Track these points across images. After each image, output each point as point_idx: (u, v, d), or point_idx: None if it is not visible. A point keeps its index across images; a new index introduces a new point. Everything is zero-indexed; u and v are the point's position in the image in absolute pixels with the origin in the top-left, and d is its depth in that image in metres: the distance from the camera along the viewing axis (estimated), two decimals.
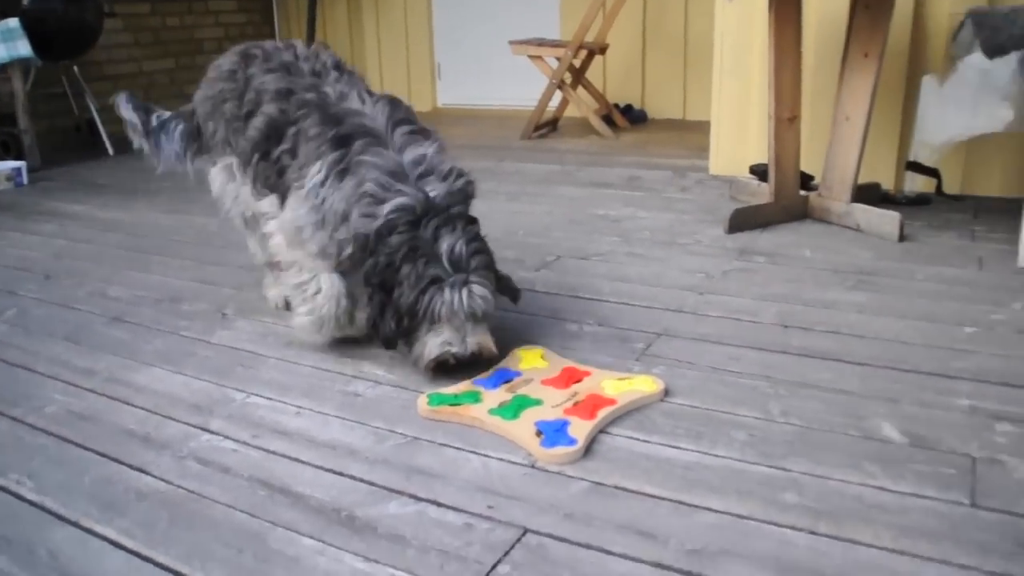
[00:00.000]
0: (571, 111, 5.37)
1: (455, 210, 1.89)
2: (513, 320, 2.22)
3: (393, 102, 2.06)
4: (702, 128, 4.10)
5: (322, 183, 1.91)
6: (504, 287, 2.01)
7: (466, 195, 1.96)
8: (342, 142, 1.92)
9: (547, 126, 5.37)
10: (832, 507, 1.39)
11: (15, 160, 4.70)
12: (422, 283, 1.79)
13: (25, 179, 4.56)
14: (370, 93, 2.09)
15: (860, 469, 1.50)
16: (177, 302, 2.57)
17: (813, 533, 1.33)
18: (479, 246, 1.88)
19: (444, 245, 1.81)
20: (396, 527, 1.40)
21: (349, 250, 1.91)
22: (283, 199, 2.06)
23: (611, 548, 1.32)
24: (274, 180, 2.08)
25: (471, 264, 1.83)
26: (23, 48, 4.74)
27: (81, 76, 5.32)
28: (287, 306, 2.43)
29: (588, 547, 1.33)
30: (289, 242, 2.04)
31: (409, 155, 1.92)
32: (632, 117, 5.54)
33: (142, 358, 2.16)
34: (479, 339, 1.86)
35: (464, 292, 1.80)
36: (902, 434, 1.60)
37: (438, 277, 1.79)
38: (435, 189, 1.88)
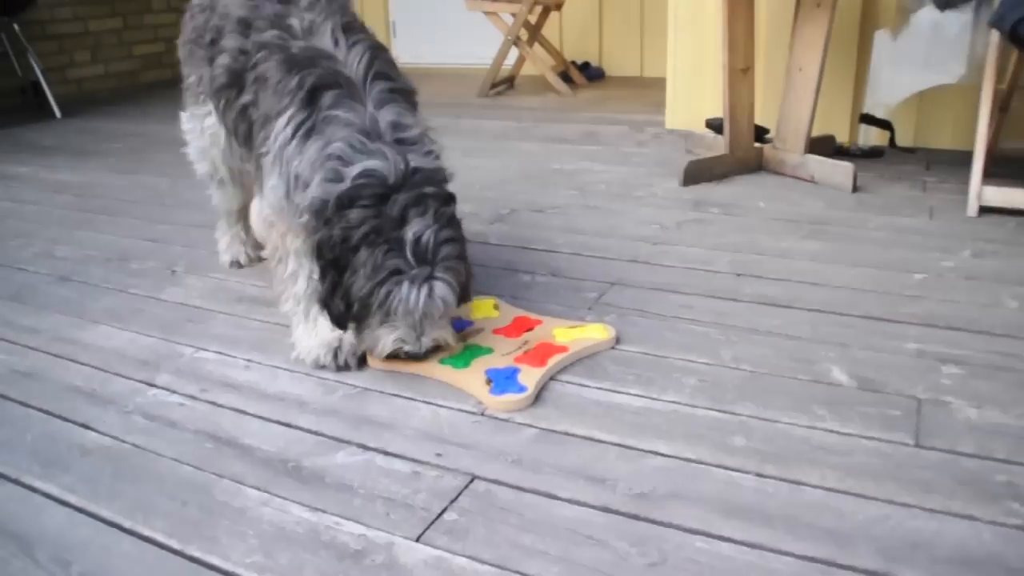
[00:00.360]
0: (528, 69, 5.33)
1: (429, 189, 1.60)
2: None
3: (374, 48, 1.73)
4: (659, 85, 4.08)
5: (285, 145, 1.64)
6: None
7: (443, 178, 1.68)
8: (309, 95, 1.63)
9: (504, 84, 5.31)
10: (779, 449, 1.40)
11: None
12: (380, 274, 1.55)
13: None
14: (347, 31, 1.74)
15: (808, 412, 1.51)
16: (126, 261, 2.52)
17: (760, 475, 1.34)
18: (451, 234, 1.61)
19: (411, 231, 1.55)
20: (343, 476, 1.39)
21: (305, 217, 1.63)
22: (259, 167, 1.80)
23: (558, 493, 1.32)
24: (246, 136, 1.87)
25: (439, 254, 1.58)
26: None
27: (23, 35, 5.15)
28: (236, 265, 2.39)
29: (535, 492, 1.32)
30: (268, 227, 1.81)
31: (387, 116, 1.63)
32: (589, 74, 5.50)
33: (89, 316, 2.12)
34: (436, 334, 1.68)
35: (424, 291, 1.57)
36: (850, 377, 1.62)
37: (398, 269, 1.56)
38: (415, 160, 1.60)
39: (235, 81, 1.82)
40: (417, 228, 1.56)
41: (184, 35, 2.12)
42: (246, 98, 1.79)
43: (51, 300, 2.24)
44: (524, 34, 5.08)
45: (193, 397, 1.69)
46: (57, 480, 1.43)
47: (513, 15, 4.96)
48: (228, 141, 2.11)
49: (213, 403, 1.66)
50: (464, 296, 1.72)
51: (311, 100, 1.63)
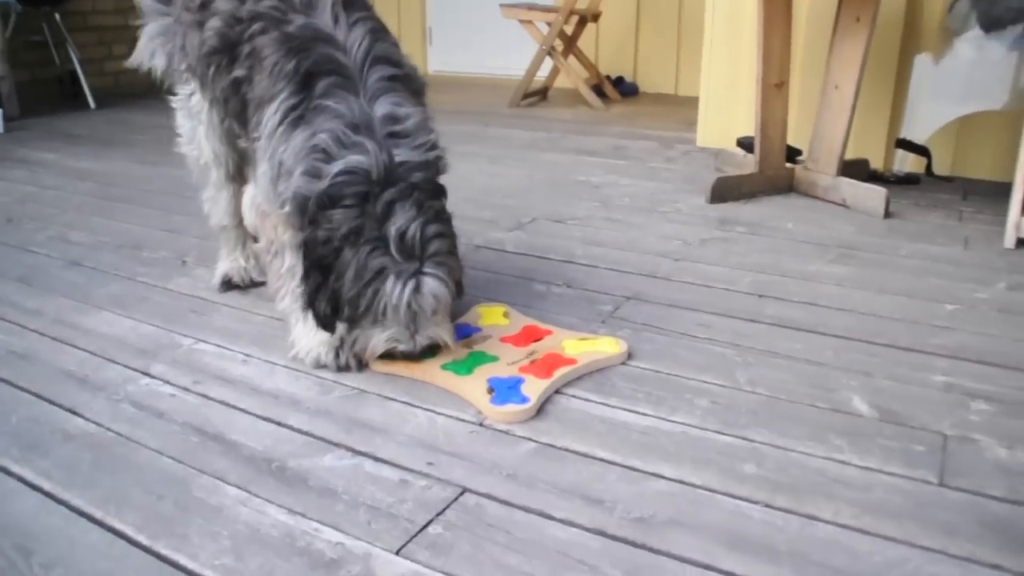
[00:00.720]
0: (562, 82, 5.27)
1: (416, 178, 1.54)
2: (478, 278, 2.13)
3: (376, 31, 1.64)
4: (693, 103, 4.00)
5: (274, 131, 1.58)
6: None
7: (436, 170, 1.61)
8: (303, 81, 1.56)
9: (537, 95, 5.26)
10: (792, 480, 1.32)
11: None
12: (365, 275, 1.50)
13: (1, 127, 4.46)
14: (348, 7, 1.64)
15: (825, 442, 1.42)
16: (139, 249, 2.49)
17: (769, 506, 1.25)
18: (440, 228, 1.55)
19: (394, 226, 1.49)
20: (328, 480, 1.33)
21: (287, 208, 1.58)
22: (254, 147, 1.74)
23: (552, 512, 1.24)
24: (237, 112, 1.78)
25: (427, 249, 1.52)
26: None
27: (64, 26, 5.19)
28: (226, 284, 2.16)
29: (527, 510, 1.25)
30: (261, 216, 1.74)
31: (382, 107, 1.56)
32: (623, 90, 5.43)
33: (94, 301, 2.09)
34: (432, 332, 1.62)
35: (410, 287, 1.51)
36: (872, 408, 1.53)
37: (383, 267, 1.50)
38: (402, 155, 1.54)
39: (227, 48, 1.72)
40: (401, 222, 1.50)
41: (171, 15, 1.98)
42: (239, 72, 1.70)
43: (58, 283, 2.22)
44: (559, 45, 5.03)
45: (185, 389, 1.64)
46: (34, 465, 1.38)
47: (548, 24, 4.91)
48: (213, 115, 1.96)
49: (204, 396, 1.61)
50: (459, 289, 1.66)
51: (304, 87, 1.57)
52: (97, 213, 2.90)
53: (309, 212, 1.53)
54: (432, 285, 1.53)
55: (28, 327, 1.94)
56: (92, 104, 5.20)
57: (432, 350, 1.65)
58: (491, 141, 3.95)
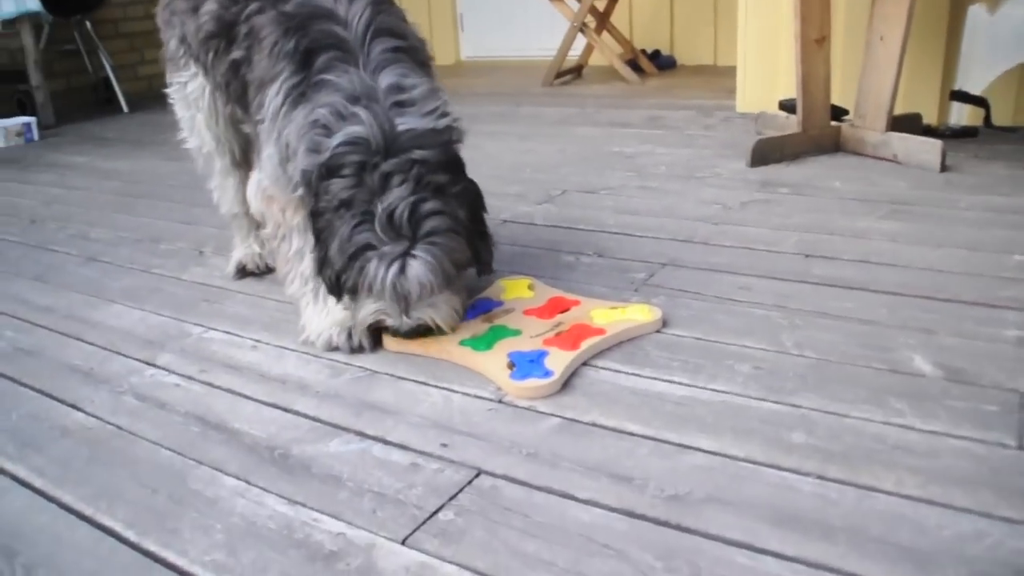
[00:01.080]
0: (596, 59, 5.11)
1: (419, 154, 1.43)
2: (504, 252, 2.01)
3: (378, 3, 1.55)
4: (733, 73, 3.82)
5: (277, 112, 1.52)
6: (476, 255, 1.58)
7: (446, 140, 1.50)
8: (303, 59, 1.49)
9: (571, 73, 5.11)
10: (847, 448, 1.17)
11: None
12: (348, 249, 1.42)
13: (35, 135, 4.49)
14: None
15: (884, 405, 1.27)
16: (156, 242, 2.44)
17: (822, 478, 1.11)
18: (437, 205, 1.42)
19: (382, 204, 1.39)
20: (333, 467, 1.22)
21: (300, 191, 1.52)
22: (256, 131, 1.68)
23: (576, 493, 1.11)
24: (238, 95, 1.72)
25: (421, 228, 1.41)
26: (31, 2, 4.64)
27: (95, 33, 5.21)
28: (240, 272, 2.09)
29: (549, 491, 1.12)
30: (267, 201, 1.67)
31: (386, 78, 1.48)
32: (660, 63, 5.25)
33: (106, 295, 2.03)
34: (424, 313, 1.50)
35: (394, 270, 1.40)
36: (936, 367, 1.37)
37: (368, 244, 1.41)
38: (408, 123, 1.44)
39: (224, 31, 1.66)
40: (391, 199, 1.39)
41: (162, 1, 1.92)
42: (237, 53, 1.63)
43: (73, 279, 2.17)
44: (592, 22, 4.88)
45: (191, 378, 1.55)
46: (28, 461, 1.31)
47: (579, 1, 4.76)
48: (215, 102, 1.90)
49: (210, 384, 1.52)
50: (483, 268, 1.58)
51: (304, 64, 1.49)
52: (119, 210, 2.86)
53: (313, 185, 1.46)
54: (418, 269, 1.41)
55: (38, 323, 1.88)
56: (125, 108, 5.22)
57: (426, 331, 1.53)
58: (522, 119, 3.82)
